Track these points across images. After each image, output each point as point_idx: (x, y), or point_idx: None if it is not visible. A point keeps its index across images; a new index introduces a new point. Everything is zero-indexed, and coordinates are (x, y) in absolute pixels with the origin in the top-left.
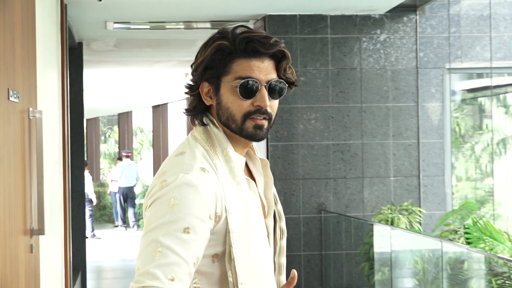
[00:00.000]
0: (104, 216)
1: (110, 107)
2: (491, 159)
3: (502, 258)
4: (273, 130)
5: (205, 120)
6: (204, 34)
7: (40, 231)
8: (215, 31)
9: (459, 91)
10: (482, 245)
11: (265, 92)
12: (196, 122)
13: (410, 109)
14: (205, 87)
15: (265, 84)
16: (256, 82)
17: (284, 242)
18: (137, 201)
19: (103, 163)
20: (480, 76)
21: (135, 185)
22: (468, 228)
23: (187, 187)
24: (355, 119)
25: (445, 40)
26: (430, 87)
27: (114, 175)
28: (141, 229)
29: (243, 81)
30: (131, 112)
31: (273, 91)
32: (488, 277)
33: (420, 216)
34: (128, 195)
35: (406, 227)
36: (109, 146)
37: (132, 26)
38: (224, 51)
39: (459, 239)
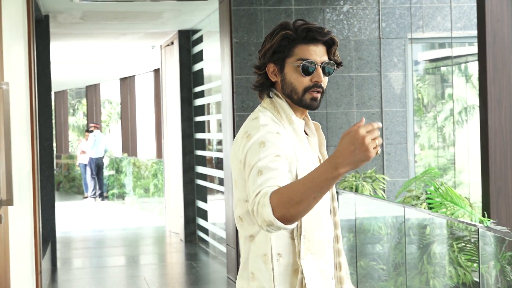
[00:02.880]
0: (73, 187)
1: (78, 79)
2: (453, 128)
3: (463, 222)
4: (239, 100)
5: (271, 94)
6: (170, 6)
7: (9, 201)
8: (180, 3)
9: (421, 61)
10: (443, 210)
11: (320, 71)
12: (264, 96)
13: (373, 78)
14: (271, 67)
15: (320, 65)
16: (313, 63)
17: (334, 190)
18: (105, 172)
19: (72, 135)
20: (442, 46)
21: (103, 156)
22: (430, 193)
23: (269, 133)
24: None
25: (406, 10)
26: (392, 56)
27: (85, 147)
28: (108, 199)
29: (304, 62)
30: (99, 84)
31: (325, 70)
32: (450, 241)
33: (383, 183)
34: (99, 166)
35: (370, 194)
36: (77, 118)
37: None
38: (289, 38)
39: (421, 204)
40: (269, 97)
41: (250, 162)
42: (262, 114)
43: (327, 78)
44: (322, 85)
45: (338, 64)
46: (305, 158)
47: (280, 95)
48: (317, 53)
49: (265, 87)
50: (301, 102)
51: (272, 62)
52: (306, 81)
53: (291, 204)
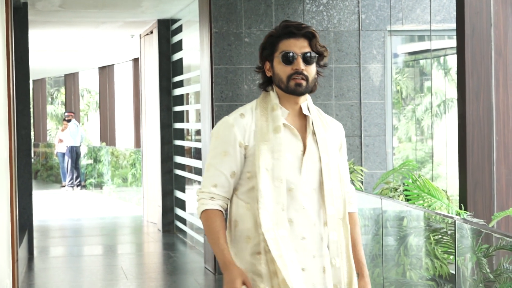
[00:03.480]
0: (51, 176)
1: (57, 68)
2: (431, 121)
3: (440, 214)
4: (217, 90)
5: (268, 88)
6: None
7: None
8: None
9: (401, 54)
10: (420, 202)
11: (300, 60)
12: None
13: (352, 70)
14: (267, 65)
15: (300, 55)
16: (293, 53)
17: (328, 197)
18: (83, 162)
19: (50, 124)
20: (421, 39)
21: (80, 145)
22: (407, 185)
23: (224, 125)
24: None
25: (386, 2)
26: (371, 48)
27: (65, 135)
28: (86, 189)
29: (284, 52)
30: (77, 73)
31: (306, 60)
32: (427, 233)
33: (361, 175)
34: (78, 155)
35: None
36: (55, 107)
37: None
38: (273, 36)
39: (398, 196)
40: (266, 91)
41: (209, 149)
42: (247, 104)
43: (311, 66)
44: (305, 72)
45: (320, 54)
46: (267, 140)
47: (274, 88)
48: (297, 45)
49: (265, 84)
50: (287, 89)
51: (265, 59)
52: (288, 69)
53: (206, 234)
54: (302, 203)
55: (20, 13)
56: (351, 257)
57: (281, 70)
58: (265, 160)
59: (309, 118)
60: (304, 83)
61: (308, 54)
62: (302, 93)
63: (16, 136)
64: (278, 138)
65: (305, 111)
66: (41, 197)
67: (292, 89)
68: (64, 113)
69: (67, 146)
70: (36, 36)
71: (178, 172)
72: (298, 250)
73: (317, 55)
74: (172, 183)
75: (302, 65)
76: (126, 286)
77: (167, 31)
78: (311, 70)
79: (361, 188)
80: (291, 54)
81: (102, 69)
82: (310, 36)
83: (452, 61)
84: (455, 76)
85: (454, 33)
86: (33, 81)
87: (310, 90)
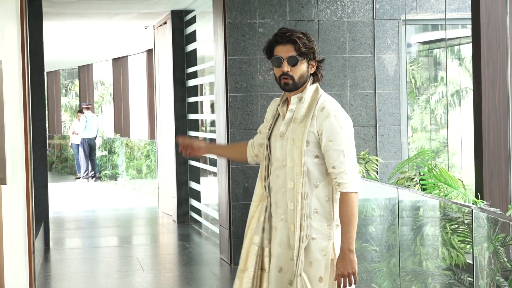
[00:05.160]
0: (66, 168)
1: (70, 59)
2: (445, 110)
3: (457, 204)
4: (232, 81)
5: None
6: None
7: (2, 180)
8: None
9: (414, 43)
10: (436, 192)
11: (285, 63)
12: None
13: (366, 60)
14: None
15: (286, 58)
16: (280, 57)
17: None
18: (98, 153)
19: (64, 116)
20: (435, 28)
21: (96, 137)
22: (423, 175)
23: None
24: None
25: None
26: (386, 38)
27: (77, 127)
28: (101, 180)
29: (273, 57)
30: (91, 65)
31: (291, 62)
32: (443, 222)
33: (376, 165)
34: (91, 146)
35: (363, 176)
36: (70, 99)
37: None
38: (270, 42)
39: (414, 186)
40: None
41: None
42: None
43: (297, 67)
44: (290, 73)
45: (303, 55)
46: (265, 127)
47: None
48: (284, 51)
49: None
50: (280, 86)
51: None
52: (278, 71)
53: None
54: (276, 174)
55: (34, 5)
56: (303, 227)
57: (275, 71)
58: (262, 138)
59: (288, 109)
60: (290, 82)
61: (292, 58)
62: (290, 90)
63: (31, 128)
64: (270, 124)
65: (291, 103)
66: (56, 189)
67: (282, 87)
68: (81, 104)
69: (81, 138)
70: (50, 27)
71: (193, 163)
72: (272, 213)
73: (302, 57)
74: (187, 174)
75: (287, 68)
76: (142, 277)
77: (180, 22)
78: (297, 70)
79: (377, 178)
80: (278, 58)
81: (116, 60)
82: (294, 42)
83: (466, 50)
84: (469, 66)
85: (469, 22)
86: (47, 73)
87: (303, 84)
